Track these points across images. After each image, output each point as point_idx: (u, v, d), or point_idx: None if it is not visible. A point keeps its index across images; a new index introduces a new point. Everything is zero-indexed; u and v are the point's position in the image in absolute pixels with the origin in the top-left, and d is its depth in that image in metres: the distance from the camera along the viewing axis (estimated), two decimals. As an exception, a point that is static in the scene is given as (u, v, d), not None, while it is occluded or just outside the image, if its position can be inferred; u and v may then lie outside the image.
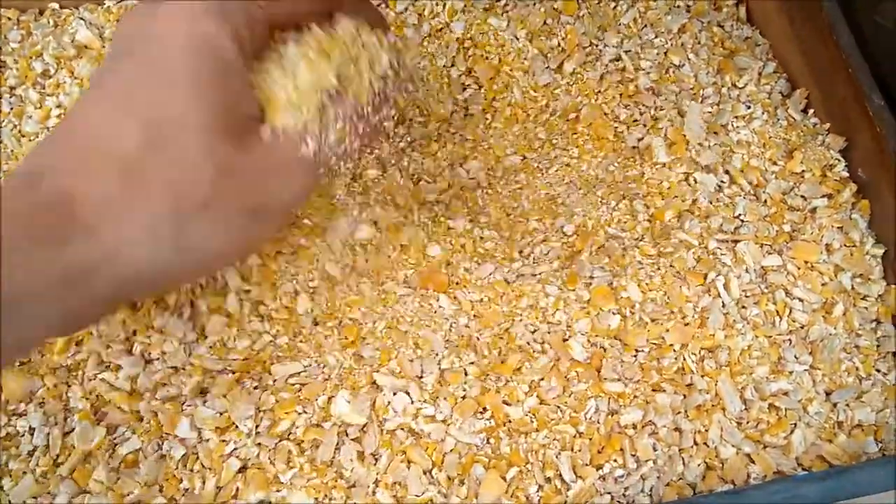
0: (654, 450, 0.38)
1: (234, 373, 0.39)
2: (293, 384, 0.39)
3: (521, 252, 0.43)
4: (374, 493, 0.37)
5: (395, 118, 0.40)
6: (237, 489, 0.37)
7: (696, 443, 0.39)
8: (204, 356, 0.39)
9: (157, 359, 0.39)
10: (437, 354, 0.40)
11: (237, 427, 0.38)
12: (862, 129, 0.45)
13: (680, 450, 0.39)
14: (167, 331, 0.39)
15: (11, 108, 0.47)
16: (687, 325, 0.41)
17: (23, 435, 0.38)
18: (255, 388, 0.39)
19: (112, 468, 0.37)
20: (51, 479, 0.37)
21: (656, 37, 0.51)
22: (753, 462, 0.39)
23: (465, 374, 0.39)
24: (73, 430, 0.38)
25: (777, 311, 0.42)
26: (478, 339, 0.40)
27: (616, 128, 0.47)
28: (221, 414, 0.38)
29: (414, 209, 0.44)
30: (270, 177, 0.32)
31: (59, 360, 0.39)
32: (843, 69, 0.46)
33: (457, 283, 0.42)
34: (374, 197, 0.44)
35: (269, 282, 0.41)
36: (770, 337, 0.42)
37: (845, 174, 0.46)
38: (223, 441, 0.38)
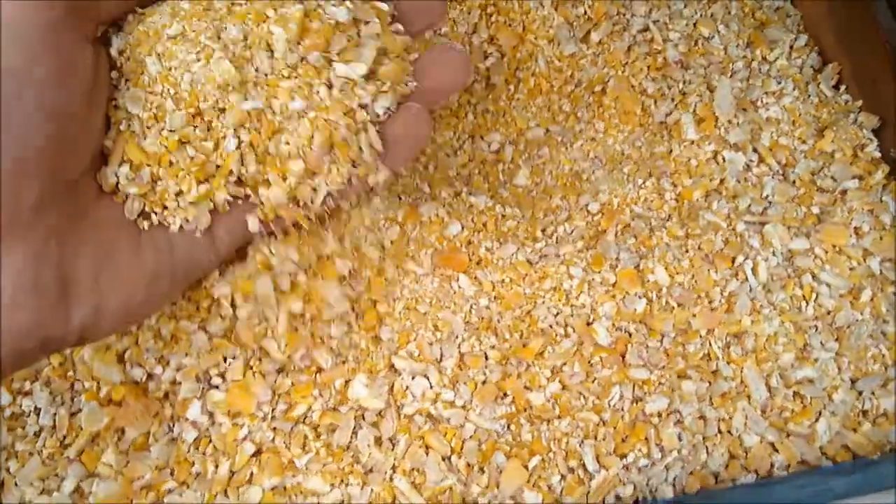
0: (680, 439, 0.37)
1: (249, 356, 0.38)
2: (310, 367, 0.37)
3: (543, 231, 0.42)
4: (391, 479, 0.36)
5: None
6: (251, 474, 0.36)
7: (720, 431, 0.38)
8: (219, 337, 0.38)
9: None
10: (457, 337, 0.39)
11: (251, 411, 0.36)
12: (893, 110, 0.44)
13: (704, 438, 0.38)
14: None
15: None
16: (714, 310, 0.40)
17: (28, 415, 0.37)
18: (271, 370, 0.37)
19: (121, 451, 0.36)
20: (58, 461, 0.36)
21: (685, 6, 0.49)
22: (777, 451, 0.38)
23: (486, 357, 0.38)
24: (80, 410, 0.37)
25: (804, 296, 0.41)
26: (499, 321, 0.39)
27: (644, 101, 0.46)
28: (234, 397, 0.37)
29: (433, 184, 0.42)
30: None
31: None
32: (880, 43, 0.44)
33: (477, 263, 0.40)
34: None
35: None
36: (796, 323, 0.41)
37: (877, 154, 0.45)
38: (236, 425, 0.36)
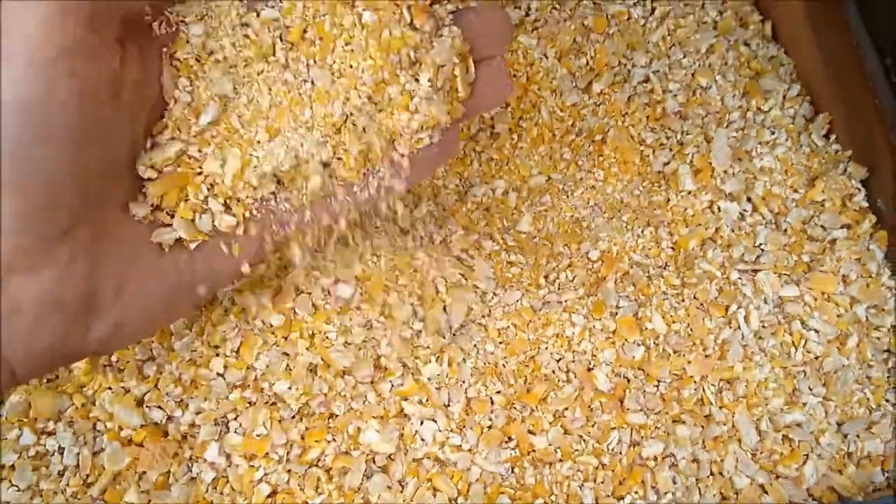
0: (674, 483, 0.39)
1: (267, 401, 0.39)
2: (324, 413, 0.39)
3: (546, 277, 0.43)
4: (400, 519, 0.38)
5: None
6: (267, 514, 0.38)
7: (712, 473, 0.40)
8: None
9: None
10: (464, 382, 0.40)
11: (267, 454, 0.38)
12: (884, 158, 0.46)
13: (697, 480, 0.40)
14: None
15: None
16: (707, 357, 0.42)
17: (52, 454, 0.39)
18: (286, 416, 0.39)
19: (143, 490, 0.38)
20: (81, 499, 0.38)
21: (685, 56, 0.50)
22: (767, 493, 0.40)
23: (492, 402, 0.40)
24: (102, 450, 0.39)
25: (793, 342, 0.43)
26: (504, 366, 0.41)
27: (642, 151, 0.47)
28: (251, 440, 0.38)
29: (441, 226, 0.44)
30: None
31: (86, 381, 0.40)
32: (869, 97, 0.46)
33: (485, 313, 0.42)
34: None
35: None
36: (786, 368, 0.43)
37: (865, 204, 0.47)
38: (252, 467, 0.38)
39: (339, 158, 0.34)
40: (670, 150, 0.48)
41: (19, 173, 0.26)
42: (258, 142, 0.33)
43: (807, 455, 0.41)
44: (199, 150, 0.33)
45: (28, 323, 0.27)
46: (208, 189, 0.33)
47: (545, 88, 0.48)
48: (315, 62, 0.33)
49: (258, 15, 0.33)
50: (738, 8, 0.54)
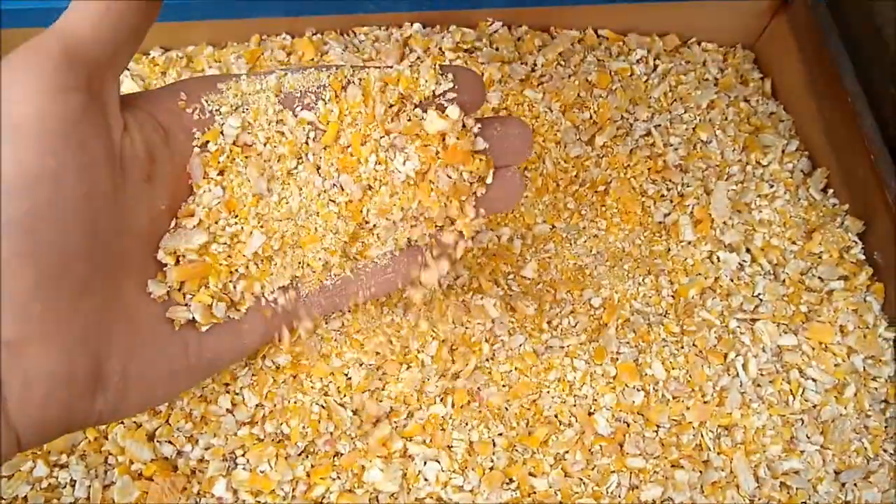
0: (673, 527, 0.40)
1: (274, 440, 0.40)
2: (329, 451, 0.40)
3: (549, 323, 0.45)
4: (402, 558, 0.38)
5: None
6: (272, 550, 0.38)
7: (710, 518, 0.41)
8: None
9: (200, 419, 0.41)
10: (467, 424, 0.41)
11: (273, 490, 0.39)
12: (880, 213, 0.47)
13: (695, 525, 0.40)
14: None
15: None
16: (706, 403, 0.43)
17: (64, 487, 0.39)
18: (293, 454, 0.40)
19: (152, 524, 0.39)
20: (91, 532, 0.39)
21: (685, 111, 0.52)
22: (764, 539, 0.40)
23: (494, 444, 0.41)
24: (113, 483, 0.40)
25: (791, 391, 0.44)
26: (507, 409, 0.42)
27: (644, 202, 0.49)
28: (258, 477, 0.39)
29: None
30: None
31: None
32: (865, 153, 0.47)
33: (491, 357, 0.43)
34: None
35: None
36: (784, 416, 0.43)
37: (861, 256, 0.48)
38: (259, 502, 0.39)
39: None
40: (671, 201, 0.49)
41: (32, 244, 0.26)
42: (288, 245, 0.35)
43: (805, 502, 0.41)
44: (227, 244, 0.34)
45: (39, 398, 0.27)
46: (231, 281, 0.35)
47: (550, 140, 0.50)
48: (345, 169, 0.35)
49: (295, 114, 0.35)
50: (739, 66, 0.56)
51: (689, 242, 0.48)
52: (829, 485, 0.42)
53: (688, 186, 0.49)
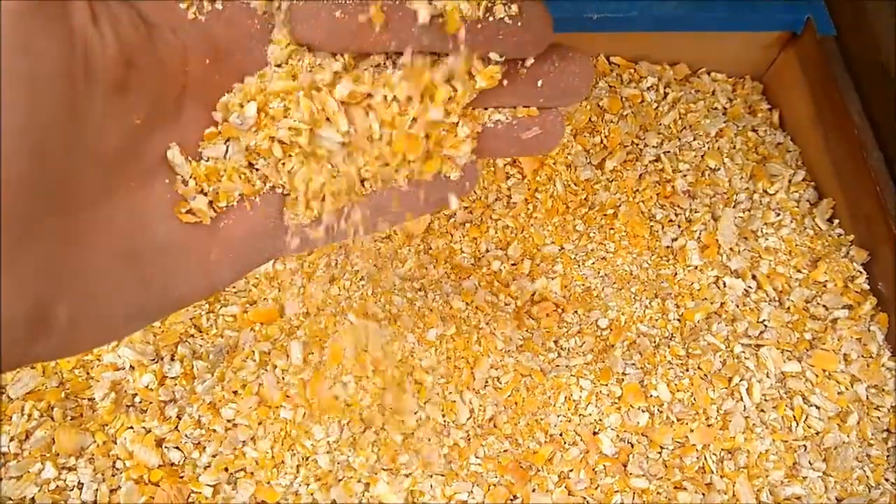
0: (675, 549, 0.40)
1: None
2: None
3: (556, 342, 0.45)
4: (405, 571, 0.39)
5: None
6: (276, 559, 0.39)
7: (712, 541, 0.41)
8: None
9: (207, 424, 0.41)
10: (473, 441, 0.42)
11: (278, 502, 0.39)
12: (885, 244, 0.48)
13: (697, 548, 0.40)
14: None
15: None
16: (710, 426, 0.43)
17: (72, 489, 0.40)
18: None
19: (157, 529, 0.39)
20: (97, 535, 0.39)
21: (695, 139, 0.53)
22: (766, 564, 0.41)
23: (500, 461, 0.41)
24: (119, 487, 0.40)
25: (794, 417, 0.44)
26: (514, 426, 0.42)
27: (652, 227, 0.49)
28: (262, 487, 0.40)
29: (462, 295, 0.46)
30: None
31: (109, 419, 0.41)
32: (871, 185, 0.48)
33: (497, 375, 0.44)
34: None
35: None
36: (787, 442, 0.44)
37: (866, 287, 0.49)
38: (264, 511, 0.39)
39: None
40: (679, 226, 0.50)
41: None
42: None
43: (806, 529, 0.42)
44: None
45: None
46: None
47: (560, 163, 0.51)
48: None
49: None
50: (748, 96, 0.57)
51: (696, 267, 0.48)
52: (831, 512, 0.42)
53: (695, 212, 0.50)
